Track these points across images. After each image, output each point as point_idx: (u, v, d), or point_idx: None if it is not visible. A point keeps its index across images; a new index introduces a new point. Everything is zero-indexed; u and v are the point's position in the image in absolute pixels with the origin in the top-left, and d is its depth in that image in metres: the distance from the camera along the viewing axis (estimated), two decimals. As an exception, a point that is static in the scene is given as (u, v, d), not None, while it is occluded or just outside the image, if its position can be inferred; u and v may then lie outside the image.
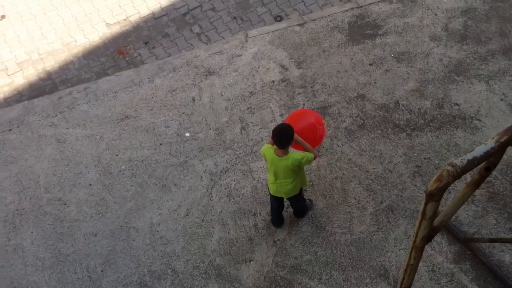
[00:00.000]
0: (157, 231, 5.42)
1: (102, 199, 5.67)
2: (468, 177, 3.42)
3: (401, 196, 5.41)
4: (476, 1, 6.93)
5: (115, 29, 7.15)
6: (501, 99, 6.01)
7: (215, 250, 5.25)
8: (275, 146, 4.57)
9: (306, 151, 4.64)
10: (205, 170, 5.75)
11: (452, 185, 2.70)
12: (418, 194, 5.39)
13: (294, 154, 4.57)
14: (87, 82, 6.67)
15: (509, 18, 6.72)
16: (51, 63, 6.94)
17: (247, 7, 7.30)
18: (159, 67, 6.67)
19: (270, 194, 5.00)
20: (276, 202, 5.06)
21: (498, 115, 5.90)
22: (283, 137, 4.45)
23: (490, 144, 2.76)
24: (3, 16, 7.32)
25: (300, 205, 5.21)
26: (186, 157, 5.85)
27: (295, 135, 4.50)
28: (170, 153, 5.91)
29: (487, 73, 6.25)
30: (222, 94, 6.34)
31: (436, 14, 6.85)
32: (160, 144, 5.98)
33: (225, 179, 5.66)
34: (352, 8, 7.06)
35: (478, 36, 6.58)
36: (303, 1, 7.31)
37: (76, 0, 7.41)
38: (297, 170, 4.68)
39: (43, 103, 6.48)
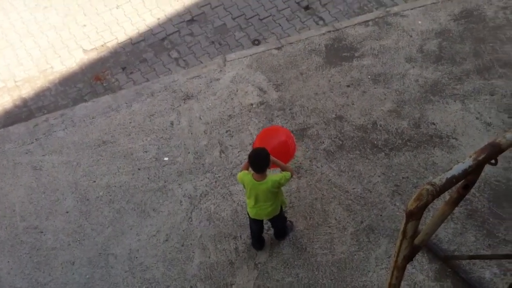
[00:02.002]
0: (136, 257, 5.33)
1: (80, 226, 5.57)
2: (446, 195, 3.43)
3: (381, 215, 5.40)
4: (450, 23, 7.06)
5: (93, 55, 7.13)
6: (477, 118, 6.09)
7: (195, 275, 5.17)
8: (251, 171, 4.55)
9: (282, 170, 4.64)
10: (184, 194, 5.69)
11: (430, 203, 2.70)
12: (397, 213, 5.40)
13: (272, 176, 4.55)
14: (63, 109, 6.61)
15: (482, 39, 6.86)
16: (27, 90, 6.88)
17: (225, 32, 7.35)
18: (136, 92, 6.65)
19: (249, 218, 4.97)
20: (256, 225, 5.02)
21: (474, 133, 5.96)
22: (260, 161, 4.43)
23: (468, 162, 2.78)
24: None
25: (282, 225, 5.17)
26: (165, 182, 5.80)
27: (271, 157, 4.50)
28: (148, 178, 5.85)
29: (462, 92, 6.34)
30: (200, 118, 6.32)
31: (411, 36, 6.97)
32: (138, 169, 5.92)
33: (204, 203, 5.61)
34: (329, 31, 7.14)
35: (453, 57, 6.70)
36: (280, 25, 7.39)
37: (53, 27, 7.40)
38: (277, 191, 4.67)
39: (18, 130, 6.40)
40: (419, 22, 7.17)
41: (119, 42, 7.25)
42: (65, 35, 7.31)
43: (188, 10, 7.60)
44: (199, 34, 7.32)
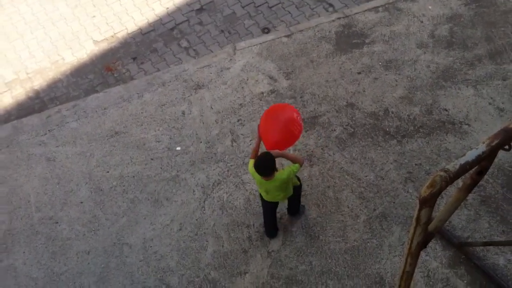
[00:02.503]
0: (151, 246, 5.38)
1: (94, 216, 5.62)
2: (459, 181, 3.42)
3: (394, 202, 5.40)
4: (461, 8, 6.99)
5: (103, 46, 7.15)
6: (489, 103, 6.05)
7: (209, 263, 5.22)
8: None
9: (292, 161, 4.63)
10: (197, 183, 5.72)
11: (444, 190, 2.70)
12: (410, 200, 5.39)
13: (280, 173, 4.53)
14: (76, 100, 6.65)
15: (494, 23, 6.78)
16: (39, 82, 6.92)
17: (234, 20, 7.32)
18: (148, 82, 6.66)
19: (262, 205, 4.99)
20: (271, 206, 5.01)
21: (487, 119, 5.93)
22: (266, 169, 4.41)
23: (481, 148, 2.76)
24: (-11, 36, 7.31)
25: (296, 200, 5.19)
26: (177, 171, 5.83)
27: (276, 152, 4.49)
28: (161, 168, 5.88)
29: (474, 78, 6.29)
30: (212, 107, 6.33)
31: (422, 22, 6.90)
32: (151, 159, 5.96)
33: (217, 192, 5.64)
34: (339, 18, 7.10)
35: (464, 42, 6.63)
36: (289, 13, 7.35)
37: (63, 19, 7.41)
38: (287, 183, 4.68)
39: (32, 122, 6.45)
40: (430, 7, 7.09)
41: (129, 32, 7.25)
42: (75, 26, 7.33)
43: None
44: (208, 23, 7.31)
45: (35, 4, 7.62)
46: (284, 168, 4.67)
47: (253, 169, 4.52)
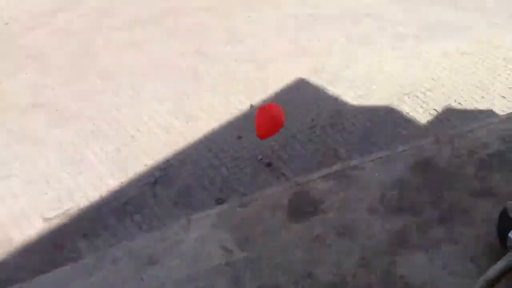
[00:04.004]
0: None
1: None
2: None
3: None
4: (406, 173, 7.29)
5: (54, 223, 7.01)
6: (443, 268, 6.04)
7: None
8: None
9: None
10: None
11: None
12: None
13: None
14: (21, 282, 6.30)
15: (439, 188, 7.05)
16: (-18, 264, 6.61)
17: (188, 192, 7.41)
18: (98, 260, 6.44)
19: None
20: None
21: (443, 285, 5.88)
22: None
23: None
24: None
25: None
26: None
27: None
28: None
29: (427, 243, 6.35)
30: (165, 284, 6.09)
31: (370, 188, 7.13)
32: None
33: None
34: (291, 187, 7.26)
35: (413, 207, 6.81)
36: (243, 183, 7.52)
37: (12, 197, 7.33)
38: None
39: (-30, 308, 6.03)
40: (377, 174, 7.38)
41: (80, 208, 7.19)
42: (25, 203, 7.24)
43: (151, 172, 7.71)
44: (162, 196, 7.36)
45: (-14, 182, 7.59)
46: None
47: None
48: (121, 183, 7.52)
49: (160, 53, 10.19)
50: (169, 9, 11.62)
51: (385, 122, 8.57)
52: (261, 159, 7.93)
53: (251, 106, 8.98)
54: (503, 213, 5.64)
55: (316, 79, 9.54)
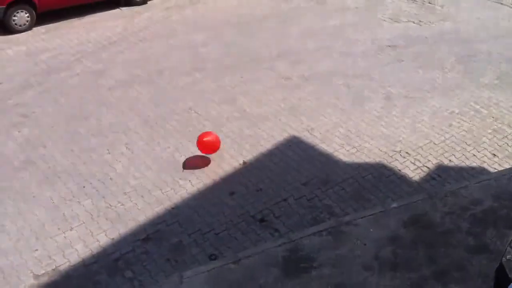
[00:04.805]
0: None
1: None
2: None
3: None
4: (400, 229, 7.30)
5: (43, 280, 6.83)
6: (443, 325, 5.94)
7: None
8: None
9: None
10: None
11: None
12: None
13: None
14: None
15: (434, 244, 7.04)
16: (-33, 323, 6.38)
17: (181, 248, 7.31)
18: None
19: None
20: None
21: None
22: None
23: None
24: None
25: None
26: None
27: None
28: None
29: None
30: None
31: (365, 244, 7.09)
32: None
33: None
34: (285, 243, 7.20)
35: (408, 263, 6.77)
36: (236, 239, 7.45)
37: (4, 253, 7.17)
38: None
39: None
40: (371, 229, 7.37)
41: (71, 265, 7.04)
42: (16, 260, 7.06)
43: (143, 229, 7.62)
44: (154, 252, 7.24)
45: (-26, 239, 7.43)
46: None
47: None
48: (113, 239, 7.41)
49: (153, 111, 10.29)
50: (162, 69, 11.82)
51: (377, 179, 8.61)
52: (254, 215, 7.88)
53: (244, 163, 9.02)
54: (500, 269, 5.61)
55: (308, 137, 9.65)
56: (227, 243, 7.38)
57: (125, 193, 8.30)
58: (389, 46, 13.34)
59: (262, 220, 7.82)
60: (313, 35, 13.94)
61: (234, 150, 9.38)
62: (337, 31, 14.20)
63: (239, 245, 7.34)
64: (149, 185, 8.47)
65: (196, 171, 8.79)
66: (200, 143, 8.89)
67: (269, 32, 14.10)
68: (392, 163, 9.03)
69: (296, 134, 9.84)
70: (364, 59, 12.70)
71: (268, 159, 9.17)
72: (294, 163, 9.06)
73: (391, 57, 12.80)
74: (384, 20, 14.90)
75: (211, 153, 9.04)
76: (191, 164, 8.93)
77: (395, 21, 14.82)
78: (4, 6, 13.42)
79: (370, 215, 7.65)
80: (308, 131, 9.91)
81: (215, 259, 7.16)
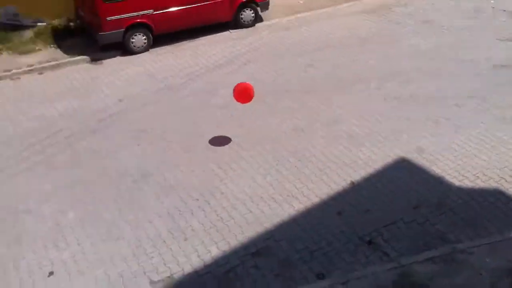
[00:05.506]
0: None
1: None
2: None
3: None
4: (519, 261, 6.91)
5: (159, 286, 7.19)
6: None
7: None
8: None
9: None
10: None
11: None
12: None
13: None
14: None
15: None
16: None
17: (290, 264, 7.40)
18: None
19: None
20: None
21: None
22: None
23: None
24: (51, 273, 7.47)
25: None
26: None
27: None
28: None
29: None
30: None
31: (481, 274, 6.79)
32: None
33: None
34: (395, 268, 7.08)
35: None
36: (344, 259, 7.42)
37: (123, 258, 7.63)
38: None
39: None
40: (487, 259, 7.04)
41: (185, 273, 7.35)
42: (134, 266, 7.50)
43: (252, 243, 7.81)
44: (263, 267, 7.38)
45: (98, 242, 7.95)
46: None
47: None
48: (224, 251, 7.65)
49: (260, 128, 10.54)
50: (270, 90, 12.08)
51: (494, 205, 8.21)
52: (362, 236, 7.81)
53: (352, 183, 8.98)
54: None
55: (418, 159, 9.43)
56: (335, 263, 7.37)
57: (235, 208, 8.55)
58: (504, 66, 12.73)
59: (370, 242, 7.72)
60: (421, 55, 13.64)
61: (342, 169, 9.37)
62: (446, 50, 13.80)
63: (347, 266, 7.30)
64: (258, 201, 8.67)
65: (304, 189, 8.86)
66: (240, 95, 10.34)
67: (375, 53, 13.98)
68: (510, 189, 8.57)
69: (405, 155, 9.65)
70: (477, 79, 12.22)
71: (376, 180, 9.06)
72: (404, 185, 8.88)
73: (506, 78, 12.20)
74: (498, 39, 14.26)
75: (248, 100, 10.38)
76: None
77: (510, 41, 14.13)
78: (124, 29, 14.42)
79: (486, 243, 7.31)
80: (418, 153, 9.68)
81: (323, 278, 7.17)
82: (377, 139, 10.20)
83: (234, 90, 10.34)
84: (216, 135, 10.67)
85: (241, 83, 10.54)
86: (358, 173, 9.23)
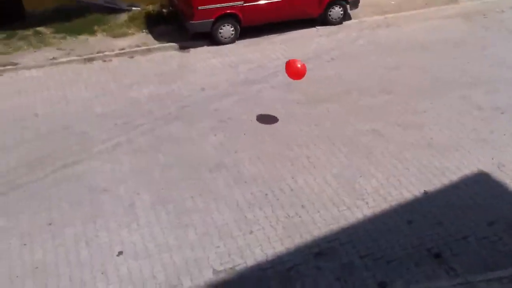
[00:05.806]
0: None
1: None
2: None
3: None
4: None
5: (221, 276, 7.40)
6: None
7: None
8: None
9: None
10: None
11: None
12: None
13: None
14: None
15: None
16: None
17: (352, 269, 7.39)
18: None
19: None
20: None
21: None
22: None
23: None
24: (120, 252, 7.87)
25: None
26: None
27: None
28: None
29: None
30: None
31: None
32: None
33: None
34: (461, 284, 6.88)
35: None
36: (408, 270, 7.30)
37: (190, 245, 7.91)
38: None
39: None
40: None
41: (247, 266, 7.52)
42: (199, 253, 7.75)
43: (316, 243, 7.84)
44: (325, 269, 7.41)
45: (167, 228, 8.28)
46: None
47: None
48: (288, 248, 7.75)
49: (336, 129, 10.49)
50: (350, 89, 11.99)
51: None
52: (430, 248, 7.63)
53: (425, 192, 8.77)
54: None
55: (498, 174, 9.05)
56: (398, 272, 7.26)
57: (303, 206, 8.61)
58: None
59: (437, 256, 7.54)
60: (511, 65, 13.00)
61: (416, 177, 9.17)
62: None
63: (411, 277, 7.17)
64: (327, 201, 8.68)
65: (374, 194, 8.77)
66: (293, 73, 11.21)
67: (464, 58, 13.46)
68: None
69: (485, 169, 9.29)
70: None
71: (452, 192, 8.79)
72: (480, 199, 8.56)
73: None
74: None
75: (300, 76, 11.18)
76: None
77: None
78: (213, 19, 14.77)
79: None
80: (499, 167, 9.28)
81: (385, 287, 7.09)
82: (456, 149, 9.87)
83: (286, 67, 11.28)
84: (291, 131, 10.74)
85: (292, 61, 11.30)
86: (432, 183, 9.00)
